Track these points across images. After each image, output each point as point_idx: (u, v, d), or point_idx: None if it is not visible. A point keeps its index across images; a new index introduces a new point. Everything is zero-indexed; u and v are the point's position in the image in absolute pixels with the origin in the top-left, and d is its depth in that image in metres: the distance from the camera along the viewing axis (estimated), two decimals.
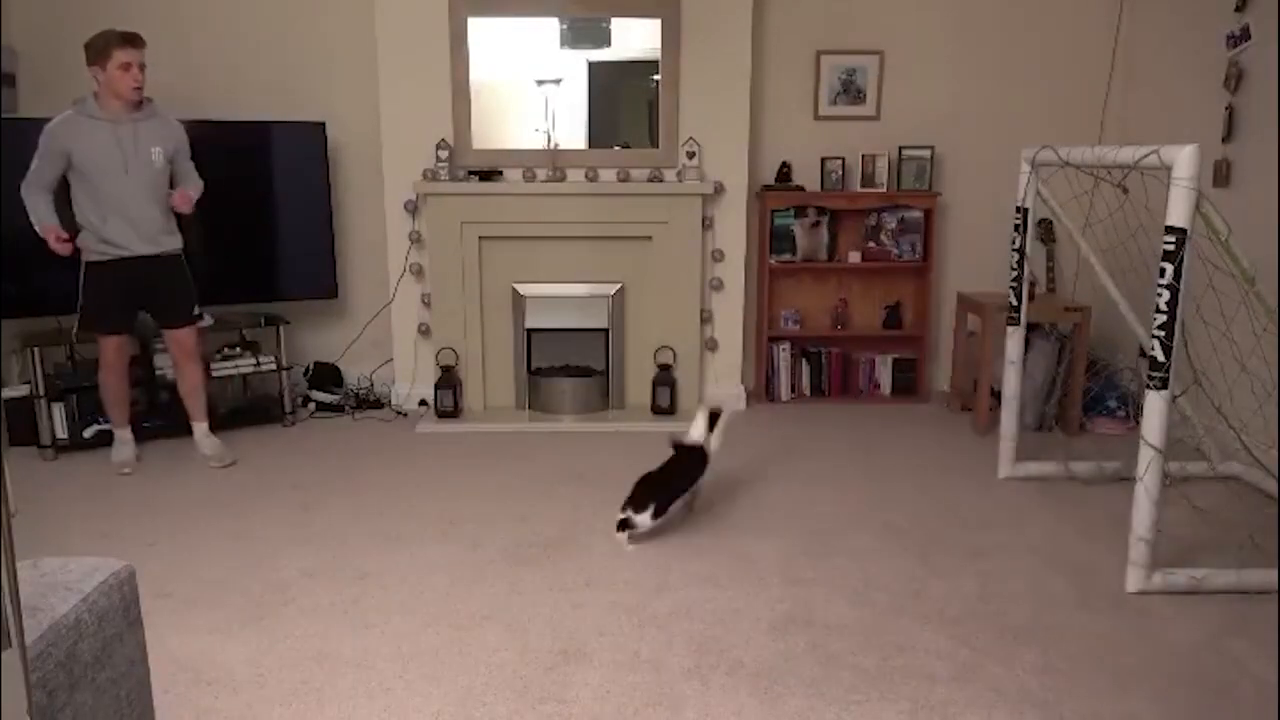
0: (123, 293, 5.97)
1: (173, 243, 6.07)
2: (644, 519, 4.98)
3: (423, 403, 7.41)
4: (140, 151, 5.85)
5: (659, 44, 7.06)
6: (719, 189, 7.21)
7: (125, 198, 5.82)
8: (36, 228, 5.72)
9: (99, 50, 5.69)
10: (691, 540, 5.09)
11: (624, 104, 7.42)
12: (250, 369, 6.99)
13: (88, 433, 6.55)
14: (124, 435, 6.30)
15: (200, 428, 6.38)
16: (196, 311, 6.22)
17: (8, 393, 6.54)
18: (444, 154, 7.02)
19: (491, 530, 5.22)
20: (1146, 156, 4.30)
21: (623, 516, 5.00)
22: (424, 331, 7.38)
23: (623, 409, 7.41)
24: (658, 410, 7.27)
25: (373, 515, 5.45)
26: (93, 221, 5.80)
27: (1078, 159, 5.01)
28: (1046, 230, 7.00)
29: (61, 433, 6.50)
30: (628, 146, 7.32)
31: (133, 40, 5.76)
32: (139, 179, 5.85)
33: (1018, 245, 5.64)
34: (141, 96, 5.85)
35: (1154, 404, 4.30)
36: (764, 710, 3.55)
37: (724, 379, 7.57)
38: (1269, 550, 4.71)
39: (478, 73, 7.07)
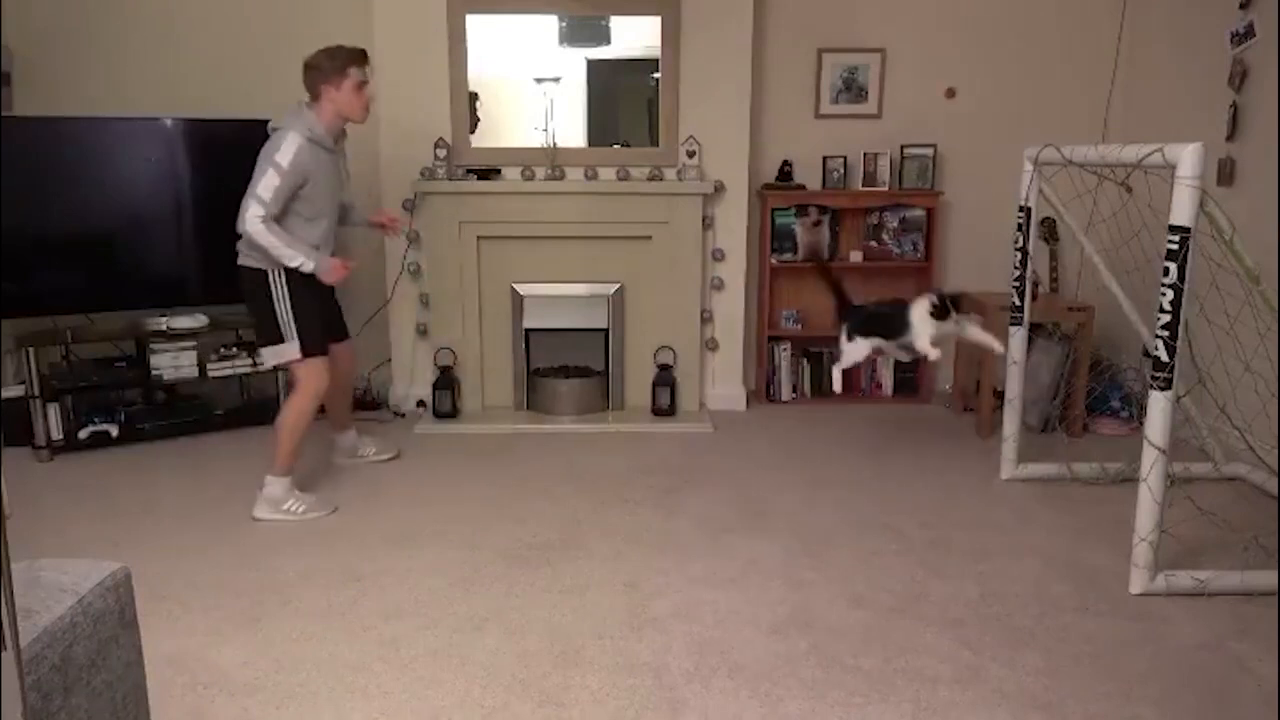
0: (322, 309, 5.73)
1: None
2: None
3: (420, 403, 7.41)
4: (341, 182, 5.75)
5: (659, 42, 7.06)
6: (719, 188, 7.21)
7: (330, 225, 5.66)
8: (307, 259, 5.33)
9: (336, 68, 5.44)
10: (691, 542, 5.09)
11: (623, 102, 7.43)
12: (247, 370, 6.97)
13: (83, 434, 6.55)
14: (288, 482, 5.62)
15: (349, 435, 6.33)
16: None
17: (3, 393, 6.54)
18: (442, 152, 7.03)
19: (490, 532, 5.22)
20: (1150, 155, 4.30)
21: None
22: (422, 332, 7.38)
23: (622, 409, 7.41)
24: (658, 411, 7.27)
25: (370, 517, 5.46)
26: (307, 236, 5.45)
27: (1081, 158, 5.01)
28: (1049, 229, 7.00)
29: (57, 434, 6.49)
30: (627, 145, 7.32)
31: (367, 58, 5.56)
32: (336, 207, 5.72)
33: (1020, 244, 5.64)
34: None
35: (1157, 404, 4.30)
36: (765, 713, 3.55)
37: (724, 379, 7.57)
38: (1273, 551, 4.71)
39: (476, 70, 7.08)
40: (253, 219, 5.20)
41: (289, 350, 5.46)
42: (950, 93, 7.59)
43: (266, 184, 5.22)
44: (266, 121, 6.13)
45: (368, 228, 6.23)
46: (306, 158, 5.33)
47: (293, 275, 5.41)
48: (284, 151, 5.26)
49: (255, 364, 6.98)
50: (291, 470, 5.57)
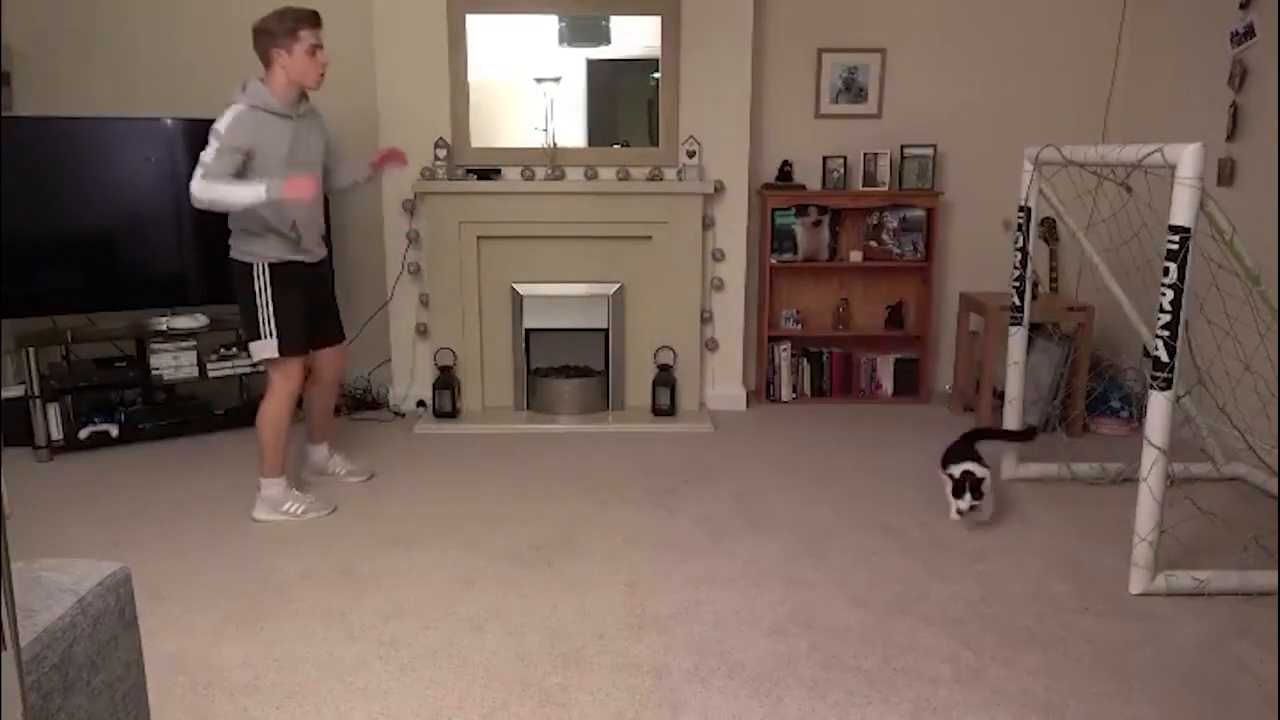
0: (305, 303, 5.50)
1: (326, 249, 5.74)
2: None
3: (420, 403, 7.41)
4: (311, 148, 5.45)
5: (659, 42, 7.07)
6: (719, 188, 7.21)
7: (308, 202, 5.33)
8: (262, 188, 4.98)
9: (286, 31, 5.15)
10: (691, 542, 5.09)
11: (623, 102, 7.42)
12: (247, 369, 6.97)
13: (83, 434, 6.55)
14: (283, 482, 5.60)
15: (321, 450, 6.10)
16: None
17: (3, 393, 6.54)
18: (442, 152, 7.03)
19: (490, 532, 5.22)
20: (1150, 155, 4.30)
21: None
22: (422, 331, 7.38)
23: (622, 410, 7.41)
24: (658, 411, 7.26)
25: (370, 517, 5.46)
26: (275, 225, 5.28)
27: (1081, 158, 5.01)
28: (1049, 229, 7.00)
29: (57, 434, 6.49)
30: (627, 145, 7.32)
31: (319, 20, 5.26)
32: (310, 161, 5.42)
33: (1020, 244, 5.64)
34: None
35: (1157, 404, 4.30)
36: (765, 713, 3.55)
37: (724, 379, 7.57)
38: (1273, 551, 4.71)
39: (476, 70, 7.09)
40: (195, 181, 5.01)
41: (267, 347, 5.36)
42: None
43: (207, 152, 5.03)
44: None
45: (371, 176, 5.92)
46: (248, 126, 5.11)
47: (278, 272, 5.33)
48: (223, 120, 5.09)
49: (254, 363, 6.97)
50: (283, 470, 5.54)
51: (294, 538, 5.16)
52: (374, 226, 7.31)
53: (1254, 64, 6.05)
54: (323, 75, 5.32)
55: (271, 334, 5.34)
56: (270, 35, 5.19)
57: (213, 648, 4.03)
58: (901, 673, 3.84)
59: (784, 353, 7.72)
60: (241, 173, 5.11)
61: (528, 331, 7.35)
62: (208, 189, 5.01)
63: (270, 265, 5.30)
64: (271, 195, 5.02)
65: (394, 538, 5.16)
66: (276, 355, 5.37)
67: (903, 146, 7.51)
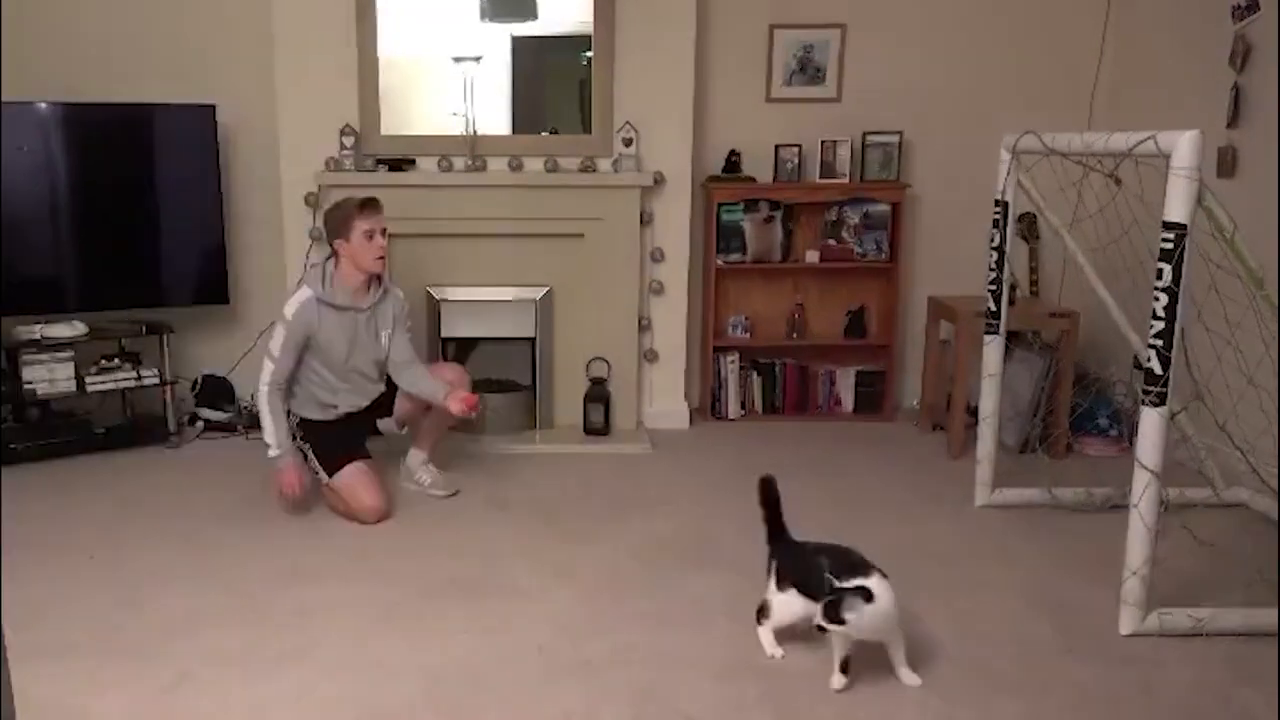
0: (349, 429, 6.16)
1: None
2: None
3: None
4: (372, 334, 6.03)
5: (591, 17, 7.02)
6: (659, 180, 7.17)
7: (354, 376, 6.04)
8: (274, 448, 5.76)
9: (340, 221, 5.85)
10: (630, 575, 5.05)
11: (552, 84, 7.41)
12: (131, 383, 6.89)
13: None
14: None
15: (419, 455, 6.50)
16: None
17: None
18: (349, 140, 6.95)
19: (404, 565, 5.17)
20: (1142, 143, 4.29)
21: None
22: None
23: (551, 428, 7.38)
24: (591, 430, 7.23)
25: (271, 549, 5.36)
26: (319, 395, 5.99)
27: (1064, 146, 5.01)
28: (1029, 226, 7.02)
29: None
30: (556, 133, 7.30)
31: (373, 205, 5.89)
32: (367, 359, 6.04)
33: (997, 243, 5.63)
34: (384, 266, 6.06)
35: (1150, 422, 4.29)
36: None
37: (664, 394, 7.54)
38: (1275, 585, 4.71)
39: (387, 49, 7.00)
40: (261, 383, 5.80)
41: (320, 479, 6.00)
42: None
43: (276, 339, 5.78)
44: (152, 105, 6.04)
45: (443, 404, 6.06)
46: (310, 316, 5.76)
47: (304, 411, 6.02)
48: (290, 304, 5.78)
49: (139, 377, 6.89)
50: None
51: (184, 572, 5.07)
52: (273, 224, 7.19)
53: (1257, 41, 6.06)
54: (381, 258, 5.96)
55: (319, 470, 5.97)
56: (331, 229, 5.96)
57: (92, 696, 3.94)
58: None
59: (731, 364, 7.70)
60: (302, 355, 5.86)
61: (445, 341, 7.30)
62: (263, 400, 5.80)
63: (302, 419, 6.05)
64: (272, 459, 5.79)
65: (296, 571, 5.09)
66: (328, 482, 5.94)
67: (865, 134, 7.49)
